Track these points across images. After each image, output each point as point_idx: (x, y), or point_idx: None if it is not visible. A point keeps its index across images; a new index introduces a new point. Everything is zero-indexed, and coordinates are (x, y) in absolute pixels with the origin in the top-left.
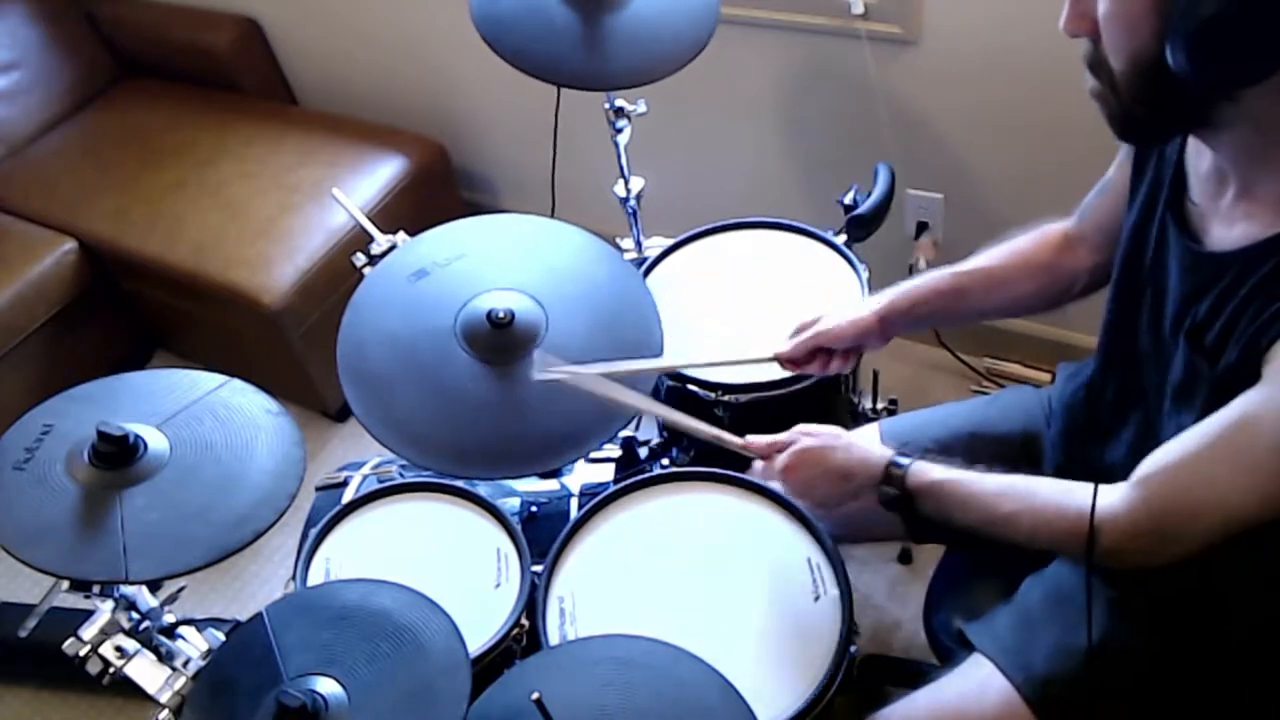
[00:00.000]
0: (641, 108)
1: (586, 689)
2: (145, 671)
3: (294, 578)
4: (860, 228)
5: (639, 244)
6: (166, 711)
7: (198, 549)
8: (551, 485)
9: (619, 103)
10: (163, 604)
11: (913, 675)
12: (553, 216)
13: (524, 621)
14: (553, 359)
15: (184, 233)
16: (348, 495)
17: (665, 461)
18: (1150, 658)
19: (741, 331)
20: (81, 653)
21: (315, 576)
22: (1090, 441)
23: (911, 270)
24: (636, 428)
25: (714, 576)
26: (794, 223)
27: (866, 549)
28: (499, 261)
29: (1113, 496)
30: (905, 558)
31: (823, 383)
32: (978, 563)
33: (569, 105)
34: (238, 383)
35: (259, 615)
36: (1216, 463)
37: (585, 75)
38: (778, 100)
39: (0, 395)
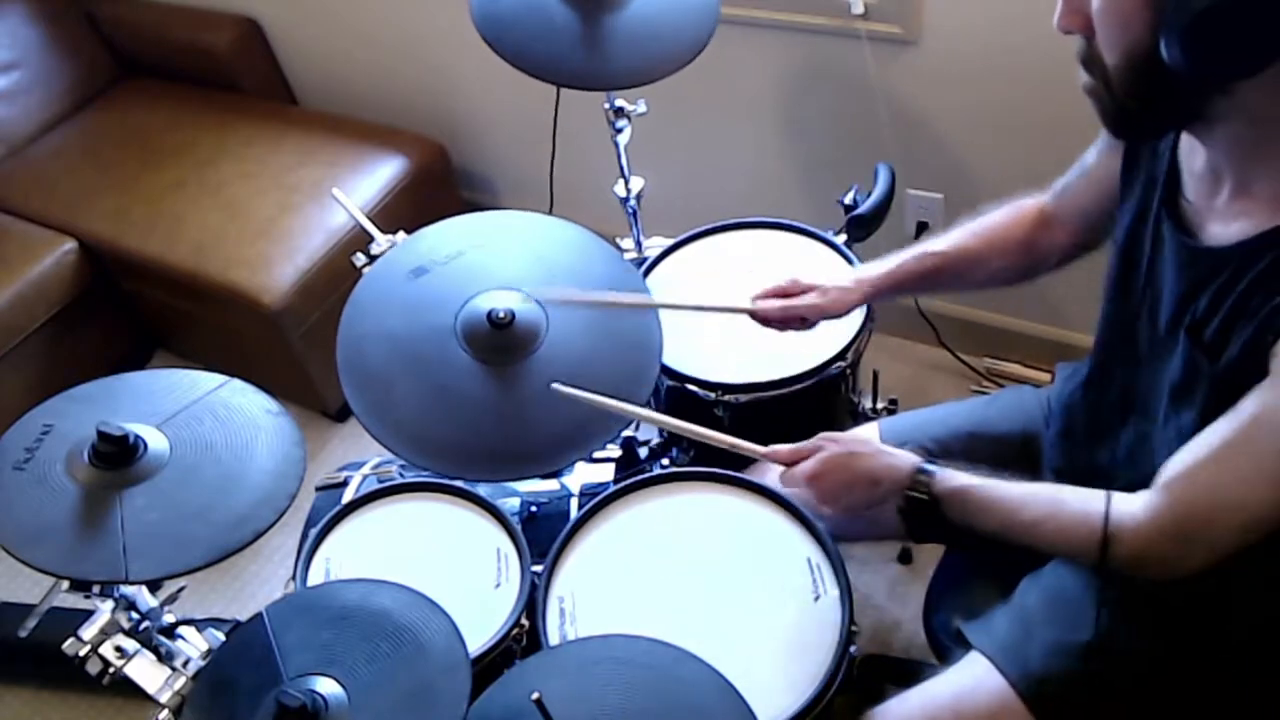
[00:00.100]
0: (641, 108)
1: (586, 689)
2: (145, 671)
3: (294, 578)
4: (860, 228)
5: (639, 244)
6: (166, 711)
7: (198, 549)
8: (551, 485)
9: (619, 103)
10: (163, 604)
11: (913, 675)
12: (550, 214)
13: (524, 621)
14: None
15: (184, 233)
16: (348, 495)
17: (665, 461)
18: (1148, 657)
19: (741, 331)
20: (81, 653)
21: (315, 576)
22: (1088, 442)
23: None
24: (636, 428)
25: (714, 576)
26: (794, 223)
27: (866, 549)
28: (499, 259)
29: (1135, 504)
30: (905, 558)
31: (823, 383)
32: (978, 563)
33: (569, 105)
34: (238, 383)
35: (259, 615)
36: (1235, 462)
37: (585, 75)
38: (778, 100)
39: (0, 395)
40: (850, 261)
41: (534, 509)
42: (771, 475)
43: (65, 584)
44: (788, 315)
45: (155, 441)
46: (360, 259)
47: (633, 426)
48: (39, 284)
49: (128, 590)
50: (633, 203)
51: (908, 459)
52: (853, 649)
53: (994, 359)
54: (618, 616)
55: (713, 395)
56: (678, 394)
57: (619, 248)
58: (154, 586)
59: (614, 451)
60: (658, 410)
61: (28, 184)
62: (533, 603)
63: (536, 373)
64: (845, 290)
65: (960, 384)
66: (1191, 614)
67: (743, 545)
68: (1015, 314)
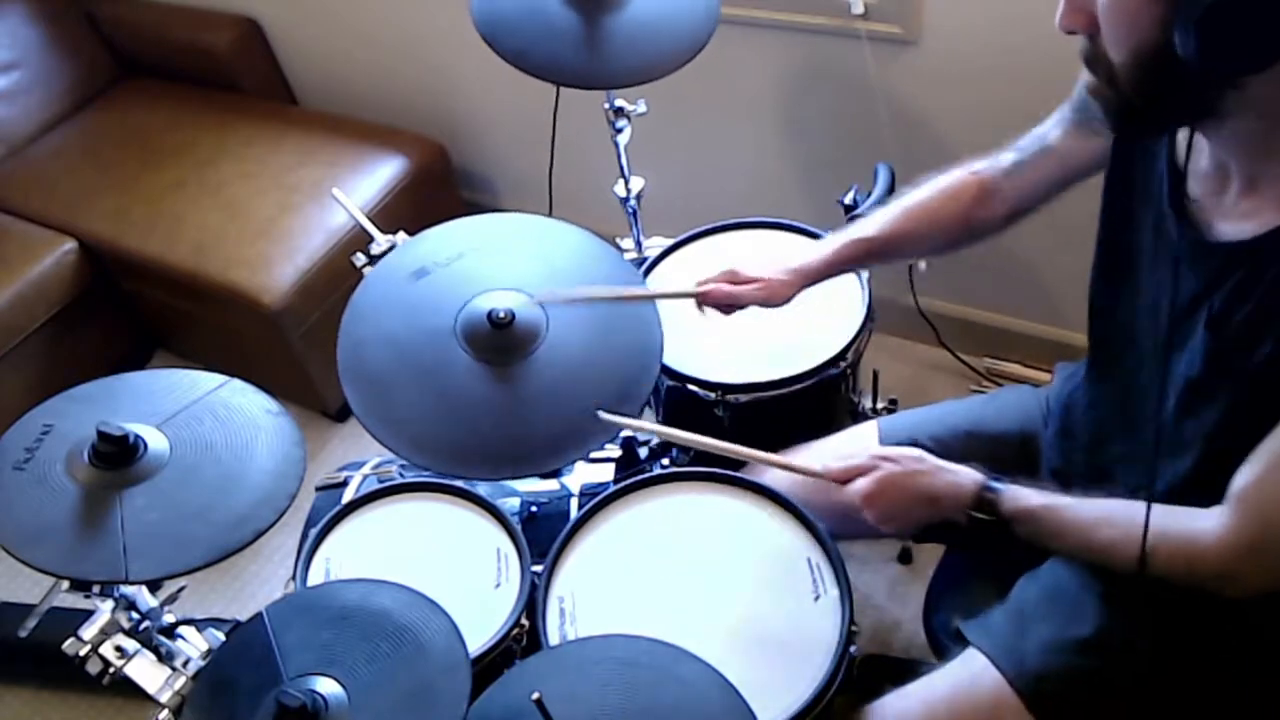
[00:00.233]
0: (641, 108)
1: (586, 689)
2: (145, 671)
3: (294, 578)
4: None
5: (639, 244)
6: (166, 711)
7: (198, 549)
8: (551, 485)
9: (619, 103)
10: (163, 604)
11: (913, 675)
12: (550, 216)
13: (524, 621)
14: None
15: (184, 233)
16: (348, 495)
17: (665, 461)
18: (1145, 653)
19: (742, 331)
20: (81, 653)
21: (315, 576)
22: (1087, 441)
23: (911, 270)
24: None
25: (714, 576)
26: (794, 223)
27: (866, 549)
28: (499, 261)
29: (1212, 520)
30: (905, 558)
31: (823, 383)
32: (978, 563)
33: (569, 105)
34: (238, 383)
35: (259, 615)
36: None
37: (585, 75)
38: (778, 100)
39: (0, 395)
40: None
41: (534, 509)
42: (771, 475)
43: (65, 584)
44: (730, 301)
45: (155, 441)
46: (360, 259)
47: None
48: (39, 284)
49: (128, 590)
50: (633, 203)
51: (970, 476)
52: (853, 649)
53: (994, 359)
54: (618, 616)
55: (713, 395)
56: (678, 394)
57: (619, 248)
58: (154, 586)
59: (614, 451)
60: (657, 410)
61: (28, 184)
62: (533, 603)
63: (536, 373)
64: (782, 280)
65: (960, 384)
66: (1190, 611)
67: (743, 545)
68: (1015, 314)
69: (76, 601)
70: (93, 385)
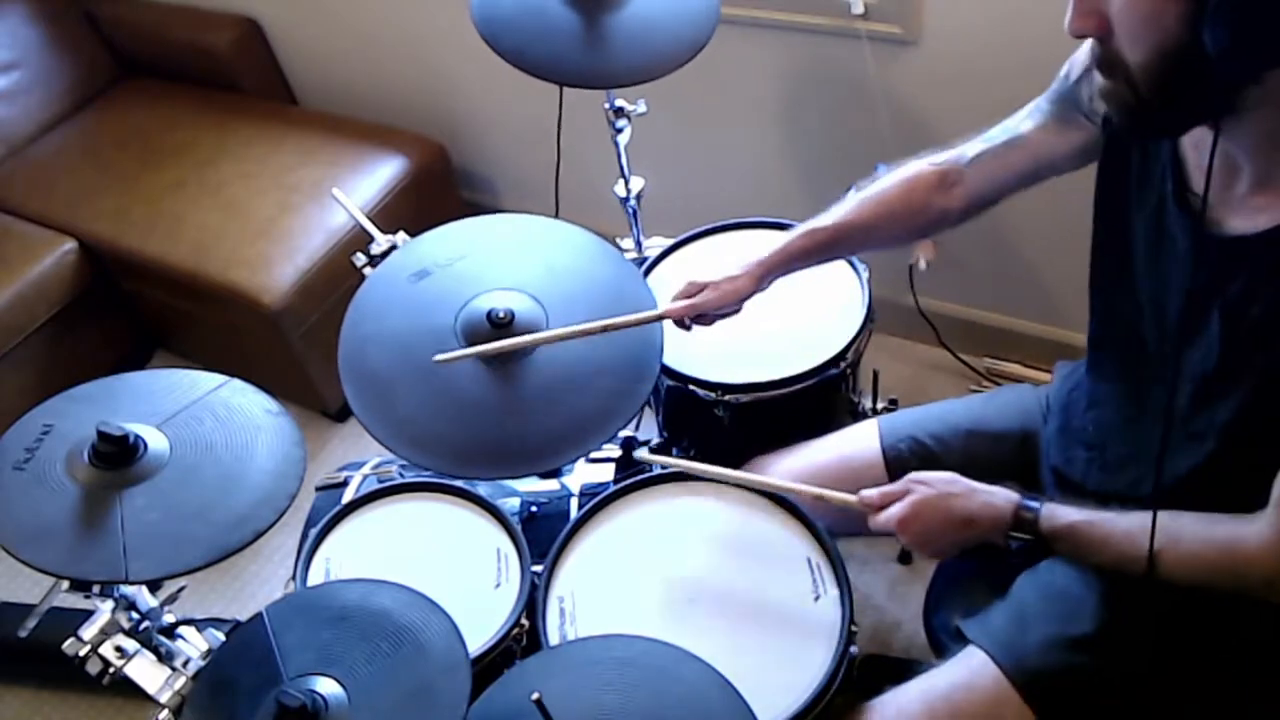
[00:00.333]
0: (641, 108)
1: (586, 689)
2: (145, 671)
3: (294, 578)
4: None
5: (639, 244)
6: (166, 711)
7: (198, 549)
8: (551, 485)
9: (619, 103)
10: (163, 604)
11: (913, 675)
12: (556, 216)
13: (524, 621)
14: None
15: (184, 233)
16: (348, 495)
17: None
18: (1145, 652)
19: (741, 331)
20: (81, 653)
21: (315, 576)
22: (1088, 438)
23: (911, 270)
24: (636, 428)
25: (714, 577)
26: (794, 223)
27: (866, 549)
28: (499, 261)
29: (1257, 525)
30: (905, 558)
31: (823, 383)
32: (978, 562)
33: (569, 105)
34: (238, 383)
35: (259, 615)
36: None
37: (585, 74)
38: (778, 100)
39: (0, 395)
40: (850, 261)
41: (534, 509)
42: (769, 474)
43: (65, 584)
44: (690, 313)
45: (155, 441)
46: (360, 259)
47: (633, 426)
48: (39, 284)
49: (128, 590)
50: (633, 203)
51: (1006, 496)
52: (853, 649)
53: (994, 359)
54: (618, 616)
55: (713, 395)
56: (678, 394)
57: (619, 248)
58: (154, 586)
59: (614, 451)
60: (657, 410)
61: (28, 184)
62: (533, 603)
63: (536, 373)
64: (733, 279)
65: (960, 383)
66: (1188, 608)
67: (743, 545)
68: (1015, 314)
69: (76, 601)
70: (93, 385)
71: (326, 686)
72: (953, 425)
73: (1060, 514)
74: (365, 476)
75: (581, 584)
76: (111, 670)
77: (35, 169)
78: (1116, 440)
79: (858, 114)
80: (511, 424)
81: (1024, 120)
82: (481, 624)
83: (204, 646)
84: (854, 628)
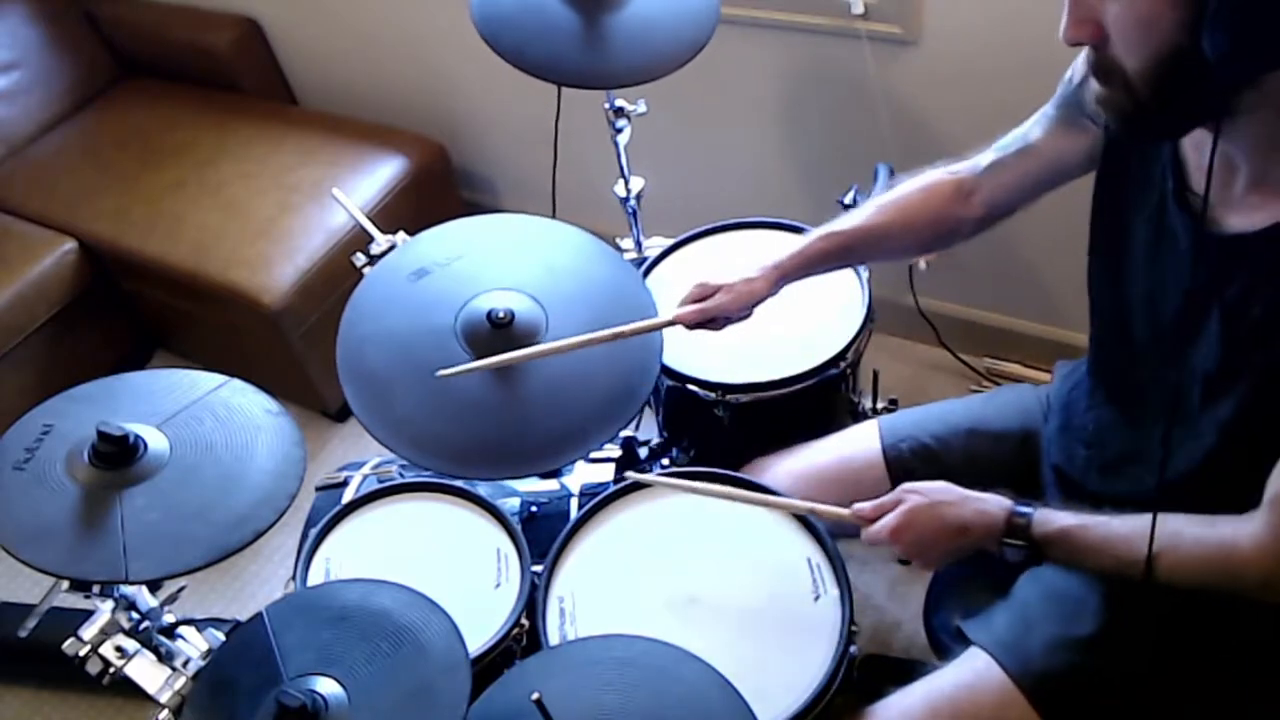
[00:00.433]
0: (641, 108)
1: (586, 689)
2: (145, 671)
3: (294, 578)
4: None
5: (639, 244)
6: (166, 711)
7: (198, 549)
8: (551, 485)
9: (619, 103)
10: (163, 604)
11: (913, 675)
12: (554, 216)
13: (524, 621)
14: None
15: (184, 233)
16: (348, 495)
17: (665, 461)
18: (1149, 652)
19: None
20: (81, 653)
21: (315, 576)
22: (1089, 437)
23: (911, 270)
24: (636, 428)
25: (714, 576)
26: (794, 223)
27: (866, 549)
28: (499, 261)
29: (1252, 525)
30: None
31: (823, 383)
32: (978, 562)
33: (569, 105)
34: (238, 383)
35: (259, 615)
36: None
37: (585, 74)
38: (778, 100)
39: (0, 395)
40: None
41: (534, 509)
42: (770, 475)
43: (65, 584)
44: (703, 318)
45: (155, 441)
46: (360, 259)
47: (632, 426)
48: (39, 284)
49: (128, 590)
50: (633, 203)
51: (998, 502)
52: (853, 649)
53: (994, 359)
54: (618, 616)
55: (713, 395)
56: (678, 394)
57: (619, 248)
58: (154, 586)
59: (614, 451)
60: (657, 410)
61: (28, 184)
62: (533, 603)
63: (536, 373)
64: (750, 282)
65: (960, 383)
66: (1191, 608)
67: (743, 545)
68: (1015, 314)
69: (76, 601)
70: (93, 385)
71: (326, 686)
72: (953, 425)
73: (1053, 519)
74: (365, 476)
75: (581, 584)
76: (111, 670)
77: (35, 169)
78: (1115, 439)
79: (858, 114)
80: (511, 424)
81: (1033, 127)
82: (481, 624)
83: (204, 646)
84: (854, 628)
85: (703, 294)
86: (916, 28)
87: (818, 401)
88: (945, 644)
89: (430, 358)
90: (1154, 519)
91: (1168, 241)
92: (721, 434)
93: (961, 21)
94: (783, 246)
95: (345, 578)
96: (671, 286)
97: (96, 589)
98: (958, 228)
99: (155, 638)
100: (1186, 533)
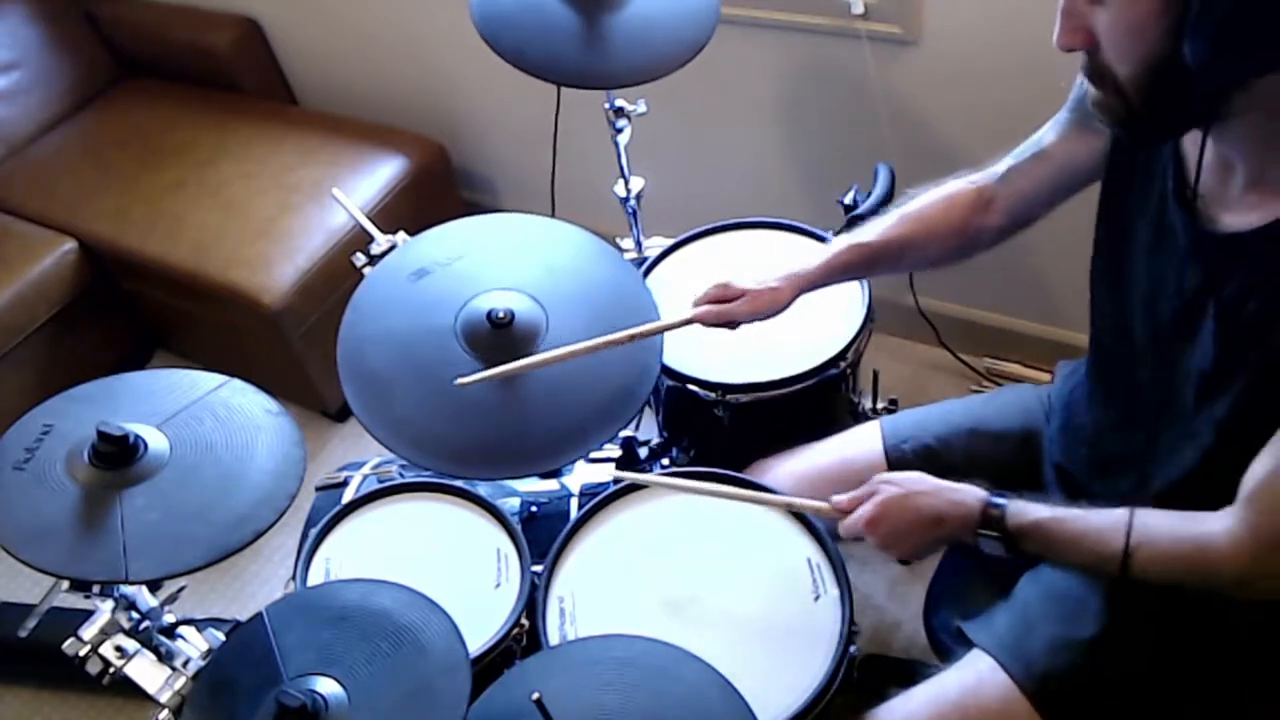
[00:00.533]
0: (641, 108)
1: (586, 689)
2: (145, 671)
3: (294, 578)
4: None
5: (639, 244)
6: (166, 711)
7: (198, 549)
8: (551, 485)
9: (619, 102)
10: (163, 604)
11: (912, 675)
12: (553, 216)
13: (524, 621)
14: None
15: (184, 233)
16: (348, 495)
17: (665, 461)
18: (1150, 651)
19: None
20: (81, 653)
21: (315, 576)
22: (1090, 436)
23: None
24: (636, 428)
25: (714, 577)
26: (794, 223)
27: (866, 549)
28: (499, 261)
29: (1227, 521)
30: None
31: (823, 383)
32: (978, 562)
33: (569, 105)
34: (238, 383)
35: (259, 615)
36: None
37: (585, 74)
38: (778, 100)
39: (0, 395)
40: None
41: (534, 509)
42: (771, 476)
43: (65, 584)
44: (721, 320)
45: (155, 441)
46: (360, 259)
47: (632, 426)
48: (39, 284)
49: (128, 590)
50: (633, 203)
51: (973, 493)
52: (853, 649)
53: (994, 359)
54: (618, 616)
55: (713, 395)
56: (678, 394)
57: (619, 248)
58: (154, 586)
59: (614, 451)
60: (657, 410)
61: (28, 184)
62: (533, 603)
63: (536, 373)
64: (774, 291)
65: (960, 384)
66: (1193, 608)
67: (743, 545)
68: (1015, 314)
69: (76, 601)
70: (93, 385)
71: (326, 686)
72: (955, 425)
73: (1028, 511)
74: (365, 476)
75: (581, 584)
76: (111, 670)
77: (35, 169)
78: (1115, 439)
79: (858, 114)
80: (511, 424)
81: (1048, 131)
82: (481, 624)
83: (204, 646)
84: (854, 628)
85: (723, 295)
86: (916, 28)
87: (818, 402)
88: (945, 644)
89: (430, 358)
90: (1130, 514)
91: (1167, 241)
92: (721, 434)
93: (961, 21)
94: (803, 253)
95: (345, 578)
96: (671, 286)
97: (96, 589)
98: (979, 237)
99: (155, 638)
100: (1162, 528)
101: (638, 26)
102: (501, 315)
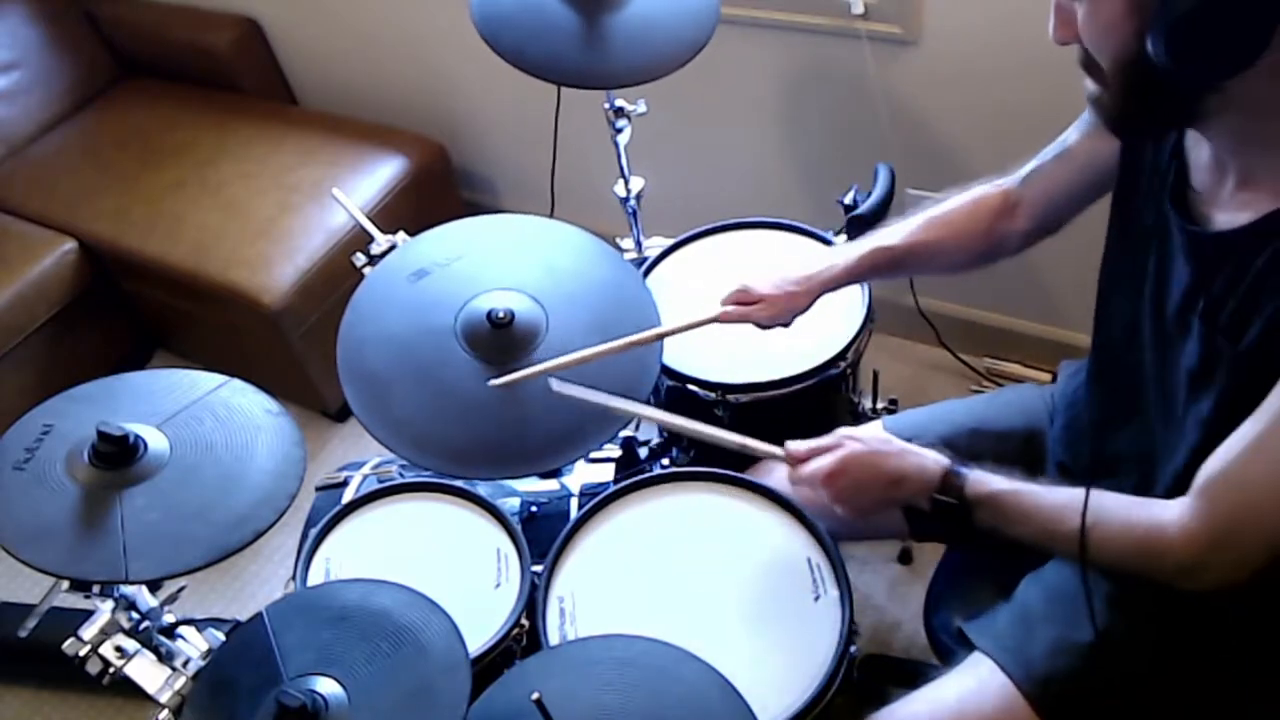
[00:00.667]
0: (641, 108)
1: (586, 689)
2: (145, 671)
3: (294, 578)
4: (860, 228)
5: (639, 244)
6: (166, 711)
7: (198, 549)
8: (551, 485)
9: (619, 102)
10: (163, 604)
11: (913, 675)
12: (551, 216)
13: (524, 621)
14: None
15: (184, 233)
16: (348, 495)
17: (665, 461)
18: (1150, 653)
19: (741, 331)
20: (81, 653)
21: (315, 576)
22: (1093, 435)
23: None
24: (636, 428)
25: (714, 577)
26: (794, 223)
27: (866, 549)
28: (499, 261)
29: (1176, 510)
30: (905, 558)
31: (823, 383)
32: (978, 563)
33: (569, 105)
34: (238, 383)
35: (259, 615)
36: (1272, 455)
37: (585, 74)
38: (778, 100)
39: (0, 395)
40: None
41: (534, 509)
42: (773, 476)
43: (65, 584)
44: (743, 321)
45: (155, 441)
46: (360, 259)
47: (633, 426)
48: (39, 284)
49: (128, 590)
50: (633, 203)
51: (937, 459)
52: (853, 649)
53: (994, 359)
54: (618, 616)
55: (713, 395)
56: (678, 394)
57: (619, 248)
58: (154, 586)
59: (614, 451)
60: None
61: (28, 184)
62: (533, 603)
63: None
64: (793, 297)
65: (960, 384)
66: (1193, 609)
67: (743, 545)
68: (1015, 314)
69: (76, 601)
70: (93, 385)
71: (326, 686)
72: (957, 425)
73: (988, 482)
74: (365, 476)
75: (581, 584)
76: (111, 670)
77: (35, 169)
78: (1118, 438)
79: (858, 114)
80: (511, 424)
81: (1071, 132)
82: (481, 624)
83: (204, 646)
84: (854, 628)
85: (745, 299)
86: (916, 28)
87: (818, 402)
88: (945, 644)
89: (430, 358)
90: (1086, 494)
91: (1169, 240)
92: None
93: (961, 21)
94: (807, 253)
95: (345, 578)
96: (671, 286)
97: (96, 589)
98: (1004, 242)
99: (155, 638)
100: (1115, 511)
101: (638, 26)
102: (501, 315)
